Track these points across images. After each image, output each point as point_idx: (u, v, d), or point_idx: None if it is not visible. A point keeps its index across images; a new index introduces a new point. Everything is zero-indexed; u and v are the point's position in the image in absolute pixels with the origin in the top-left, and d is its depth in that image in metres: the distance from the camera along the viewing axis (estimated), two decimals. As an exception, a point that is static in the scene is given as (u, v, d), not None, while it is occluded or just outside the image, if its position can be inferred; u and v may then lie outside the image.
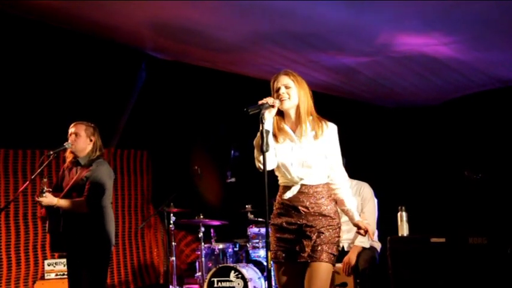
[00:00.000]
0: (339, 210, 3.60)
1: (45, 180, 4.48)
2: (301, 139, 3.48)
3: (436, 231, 4.99)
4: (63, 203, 4.50)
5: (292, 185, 3.51)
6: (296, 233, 3.48)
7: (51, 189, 4.55)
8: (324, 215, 3.45)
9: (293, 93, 3.49)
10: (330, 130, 3.53)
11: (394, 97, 7.52)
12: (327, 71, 6.51)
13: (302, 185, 3.49)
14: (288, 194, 3.51)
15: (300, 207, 3.48)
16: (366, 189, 5.57)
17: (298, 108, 3.51)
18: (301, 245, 3.45)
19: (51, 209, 4.53)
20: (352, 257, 5.29)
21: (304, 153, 3.47)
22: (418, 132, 7.73)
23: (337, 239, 3.48)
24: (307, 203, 3.47)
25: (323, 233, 3.42)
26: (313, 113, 3.54)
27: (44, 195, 4.42)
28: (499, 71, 6.33)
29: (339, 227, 3.51)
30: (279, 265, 3.55)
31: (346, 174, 3.63)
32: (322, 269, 3.40)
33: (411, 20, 5.05)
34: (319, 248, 3.40)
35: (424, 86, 6.93)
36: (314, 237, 3.42)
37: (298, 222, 3.48)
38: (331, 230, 3.45)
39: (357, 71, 6.47)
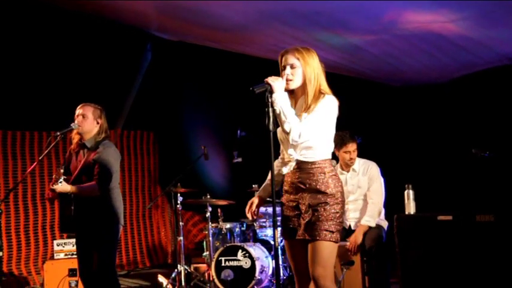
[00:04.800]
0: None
1: (61, 171, 4.47)
2: (300, 115, 3.42)
3: (443, 209, 4.99)
4: (76, 189, 4.50)
5: (290, 161, 3.51)
6: (294, 210, 3.49)
7: (66, 177, 4.54)
8: (321, 192, 3.40)
9: (298, 73, 3.45)
10: (322, 100, 3.41)
11: (400, 75, 7.49)
12: (333, 49, 6.48)
13: (298, 161, 3.47)
14: (284, 170, 3.52)
15: (298, 184, 3.46)
16: (373, 168, 5.57)
17: (303, 87, 3.46)
18: (298, 222, 3.46)
19: (62, 193, 4.53)
20: (358, 236, 5.30)
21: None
22: (425, 111, 7.70)
23: (335, 215, 3.38)
24: (304, 179, 3.44)
25: (318, 210, 3.38)
26: (321, 90, 3.44)
27: (59, 183, 4.41)
28: (507, 48, 6.29)
29: (337, 203, 3.41)
30: (287, 242, 3.56)
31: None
32: (321, 248, 3.36)
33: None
34: (315, 226, 3.36)
35: (431, 64, 6.89)
36: (307, 215, 3.40)
37: (296, 199, 3.48)
38: (327, 207, 3.38)
39: (363, 50, 6.43)
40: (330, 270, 3.41)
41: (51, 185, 4.45)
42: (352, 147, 5.47)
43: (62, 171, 4.45)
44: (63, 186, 4.44)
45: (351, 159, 5.51)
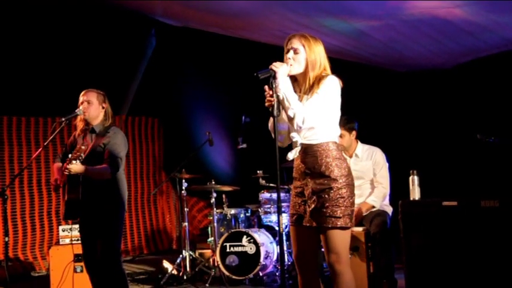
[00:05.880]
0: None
1: (83, 147, 4.39)
2: (302, 99, 3.40)
3: (448, 195, 4.98)
4: (89, 170, 4.47)
5: (296, 146, 3.49)
6: (301, 196, 3.48)
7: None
8: (324, 176, 3.38)
9: (301, 58, 3.41)
10: (324, 81, 3.38)
11: (405, 61, 7.46)
12: (337, 35, 6.45)
13: (303, 145, 3.45)
14: (290, 156, 3.50)
15: (303, 169, 3.46)
16: (378, 154, 5.56)
17: (305, 73, 3.43)
18: (304, 208, 3.45)
19: (71, 176, 4.50)
20: (361, 209, 5.33)
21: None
22: (430, 96, 7.68)
23: (341, 199, 3.36)
24: (308, 164, 3.42)
25: (321, 196, 3.36)
26: (324, 75, 3.42)
27: (76, 162, 4.35)
28: (513, 33, 6.26)
29: (342, 187, 3.38)
30: (293, 228, 3.54)
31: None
32: (330, 235, 3.37)
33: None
34: (320, 212, 3.36)
35: (436, 49, 6.86)
36: (312, 201, 3.39)
37: (301, 184, 3.47)
38: (331, 192, 3.35)
39: (368, 35, 6.41)
40: (344, 255, 3.42)
41: (67, 165, 4.37)
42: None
43: (83, 147, 4.35)
44: (79, 166, 4.39)
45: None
